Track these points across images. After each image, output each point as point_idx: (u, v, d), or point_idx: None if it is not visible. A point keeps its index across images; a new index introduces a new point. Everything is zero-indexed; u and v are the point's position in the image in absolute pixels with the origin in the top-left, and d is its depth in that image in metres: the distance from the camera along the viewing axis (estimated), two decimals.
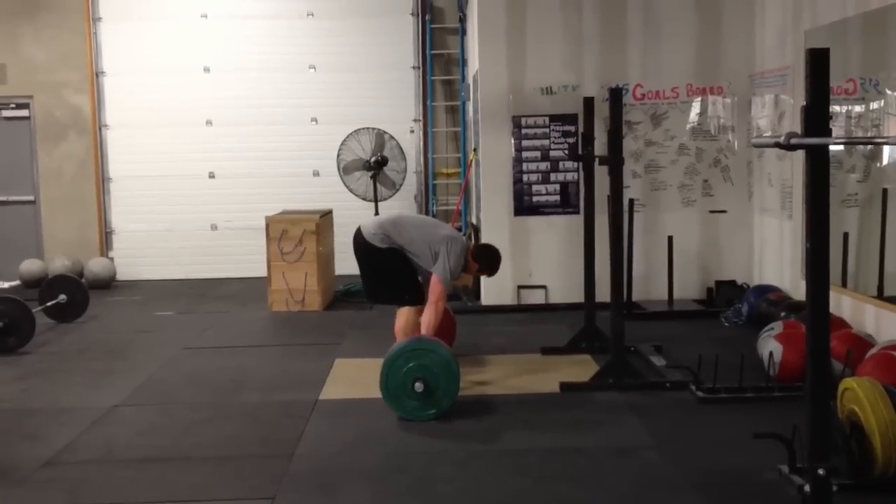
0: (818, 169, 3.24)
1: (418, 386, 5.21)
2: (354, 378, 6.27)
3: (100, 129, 11.05)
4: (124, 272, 10.98)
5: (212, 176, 11.12)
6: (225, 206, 11.07)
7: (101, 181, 11.10)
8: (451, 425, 5.22)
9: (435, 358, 5.29)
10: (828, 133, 3.21)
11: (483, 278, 8.38)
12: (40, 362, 7.01)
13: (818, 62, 3.21)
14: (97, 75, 11.01)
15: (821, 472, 3.29)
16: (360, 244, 6.16)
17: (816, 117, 3.20)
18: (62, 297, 8.33)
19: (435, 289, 5.91)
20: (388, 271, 6.15)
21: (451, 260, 5.96)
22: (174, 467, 4.70)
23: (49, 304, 8.25)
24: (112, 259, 10.99)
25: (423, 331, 5.80)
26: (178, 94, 11.00)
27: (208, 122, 11.06)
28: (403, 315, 6.11)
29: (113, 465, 4.74)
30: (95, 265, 10.57)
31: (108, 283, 10.53)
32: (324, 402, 5.74)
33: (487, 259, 6.27)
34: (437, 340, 5.55)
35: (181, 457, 4.83)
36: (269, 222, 8.91)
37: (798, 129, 3.28)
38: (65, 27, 10.95)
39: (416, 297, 6.11)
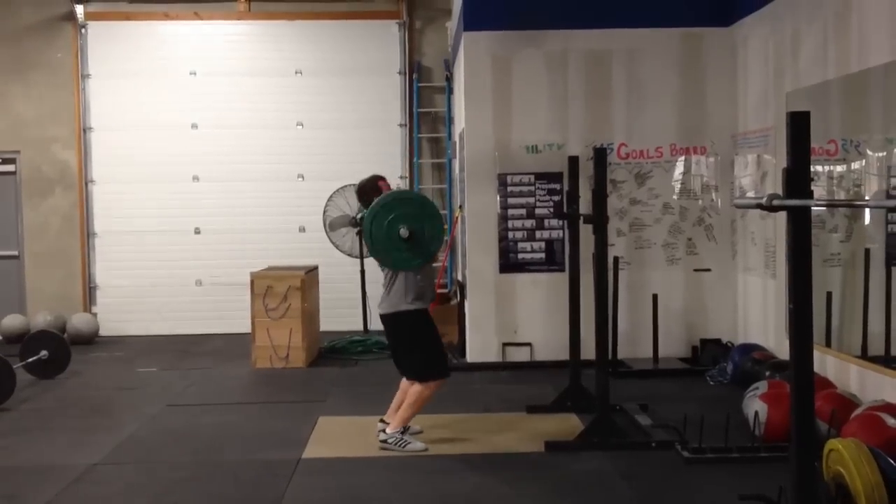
0: (800, 230, 3.27)
1: (403, 232, 5.52)
2: (338, 436, 6.22)
3: (86, 184, 11.07)
4: (108, 327, 10.91)
5: (197, 231, 11.12)
6: (210, 262, 11.06)
7: (87, 236, 11.09)
8: (435, 485, 5.17)
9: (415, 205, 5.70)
10: (809, 195, 3.24)
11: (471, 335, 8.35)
12: (20, 419, 6.92)
13: (799, 125, 3.25)
14: (85, 131, 11.05)
15: None
16: (388, 318, 5.86)
17: (798, 179, 3.23)
18: (44, 353, 8.26)
19: None
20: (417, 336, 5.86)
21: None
22: None
23: (30, 360, 8.17)
24: (95, 314, 10.93)
25: None
26: (165, 150, 11.04)
27: (195, 178, 11.09)
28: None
29: None
30: (78, 320, 10.50)
31: (90, 339, 10.45)
32: (307, 460, 5.68)
33: (368, 188, 6.30)
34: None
35: None
36: (254, 278, 8.89)
37: (780, 189, 3.31)
38: (54, 84, 11.03)
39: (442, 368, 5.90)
